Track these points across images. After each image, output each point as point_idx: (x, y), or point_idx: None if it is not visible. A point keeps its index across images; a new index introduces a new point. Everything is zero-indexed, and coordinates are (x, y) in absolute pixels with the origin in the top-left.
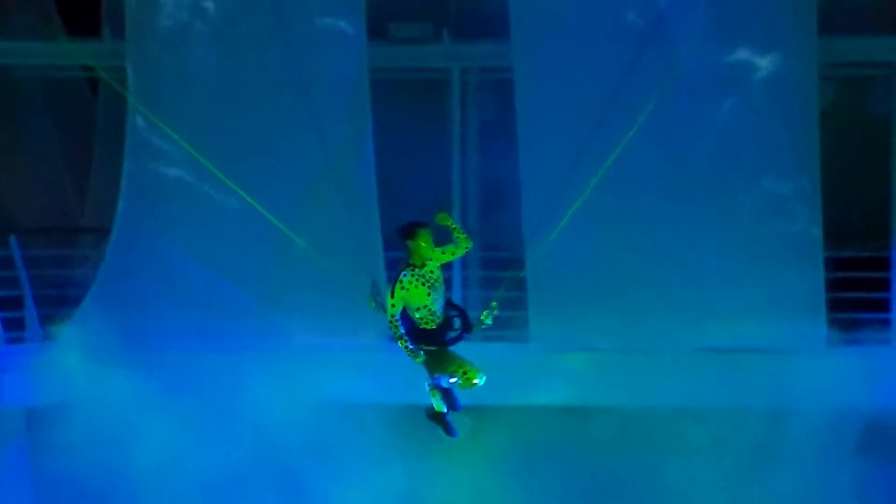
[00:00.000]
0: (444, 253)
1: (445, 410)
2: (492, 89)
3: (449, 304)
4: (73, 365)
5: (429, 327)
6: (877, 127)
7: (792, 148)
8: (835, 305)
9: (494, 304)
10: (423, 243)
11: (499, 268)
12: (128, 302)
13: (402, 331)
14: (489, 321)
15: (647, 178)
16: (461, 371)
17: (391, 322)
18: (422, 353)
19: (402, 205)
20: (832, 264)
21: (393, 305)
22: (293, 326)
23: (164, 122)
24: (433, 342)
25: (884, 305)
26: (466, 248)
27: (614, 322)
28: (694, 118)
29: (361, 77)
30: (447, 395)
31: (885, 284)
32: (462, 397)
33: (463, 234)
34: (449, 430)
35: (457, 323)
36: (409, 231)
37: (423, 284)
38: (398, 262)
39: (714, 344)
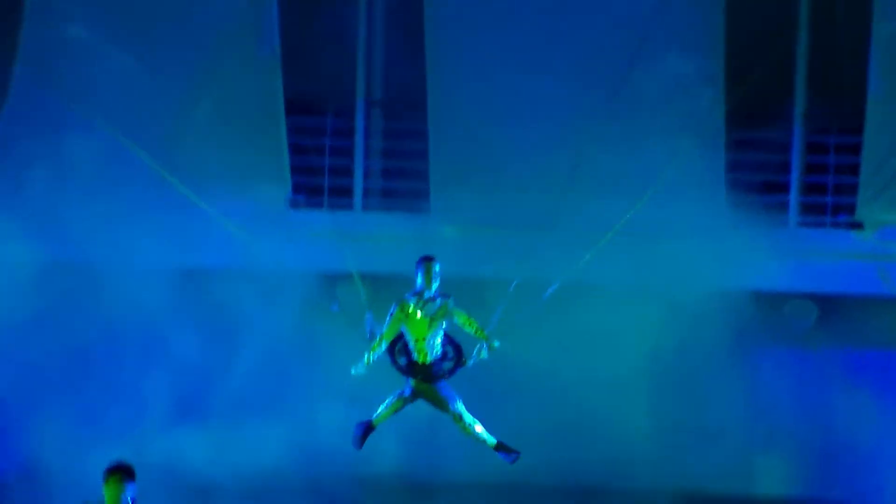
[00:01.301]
0: (468, 318)
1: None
2: None
3: (446, 339)
4: None
5: (424, 361)
6: (783, 8)
7: (697, 27)
8: (735, 187)
9: (496, 343)
10: (430, 277)
11: (401, 138)
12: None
13: (382, 349)
14: (484, 355)
15: (550, 56)
16: (454, 416)
17: (378, 339)
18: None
19: (308, 72)
20: (734, 146)
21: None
22: (194, 191)
23: None
24: (427, 376)
25: (784, 188)
26: (478, 333)
27: (514, 197)
28: None
29: None
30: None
31: (785, 167)
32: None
33: (482, 332)
34: (360, 440)
35: (450, 353)
36: (428, 259)
37: (426, 315)
38: (301, 128)
39: (614, 222)
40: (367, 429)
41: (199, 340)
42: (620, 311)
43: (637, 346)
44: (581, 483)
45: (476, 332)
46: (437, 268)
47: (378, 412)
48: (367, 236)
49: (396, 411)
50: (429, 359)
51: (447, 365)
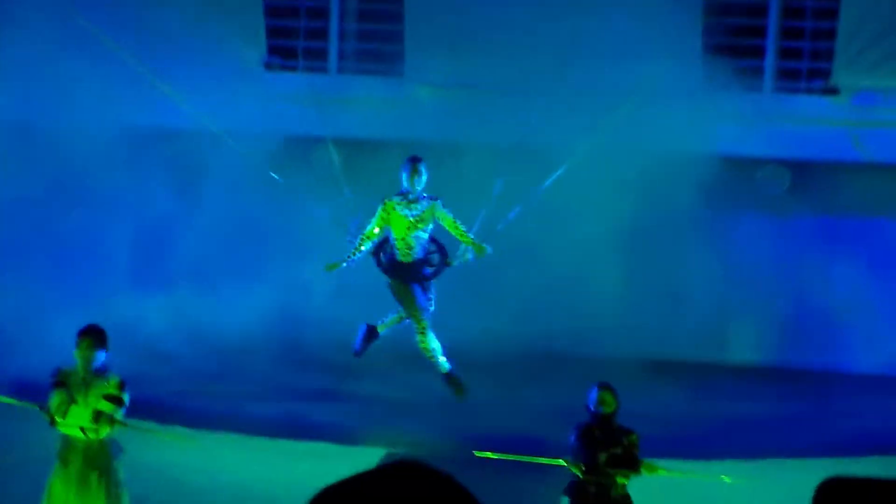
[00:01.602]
0: (447, 215)
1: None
2: None
3: (430, 240)
4: None
5: (406, 261)
6: None
7: None
8: (711, 51)
9: (489, 249)
10: (416, 177)
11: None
12: None
13: (364, 250)
14: (469, 257)
15: None
16: (418, 325)
17: (361, 239)
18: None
19: None
20: (711, 10)
21: (372, 226)
22: (171, 52)
23: None
24: (409, 276)
25: (759, 53)
26: (464, 238)
27: (489, 60)
28: None
29: None
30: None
31: (761, 32)
32: (335, 130)
33: (467, 236)
34: (360, 349)
35: (435, 259)
36: (414, 159)
37: (406, 217)
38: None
39: (588, 85)
40: (370, 332)
41: (170, 202)
42: (592, 175)
43: (608, 210)
44: (551, 350)
45: (461, 237)
46: (422, 167)
47: (384, 321)
48: (342, 99)
49: (427, 329)
50: (411, 259)
51: (429, 270)
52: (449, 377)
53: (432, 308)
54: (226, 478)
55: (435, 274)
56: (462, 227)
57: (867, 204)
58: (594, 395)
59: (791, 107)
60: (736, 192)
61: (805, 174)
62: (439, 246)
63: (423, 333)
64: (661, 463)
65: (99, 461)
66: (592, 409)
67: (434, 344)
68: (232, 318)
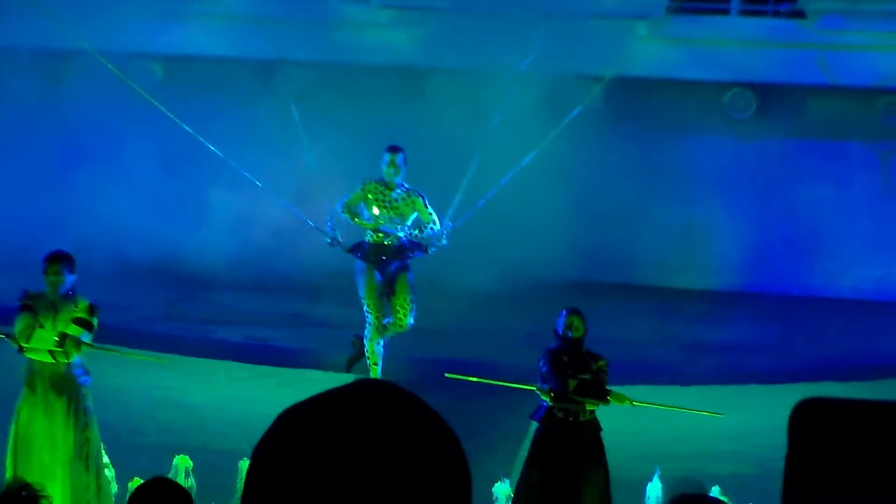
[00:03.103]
0: (428, 214)
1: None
2: None
3: (407, 236)
4: None
5: (373, 240)
6: None
7: None
8: None
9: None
10: (393, 168)
11: None
12: None
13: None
14: (444, 242)
15: None
16: (396, 315)
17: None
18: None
19: None
20: None
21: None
22: None
23: None
24: (377, 261)
25: None
26: (431, 223)
27: None
28: None
29: None
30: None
31: None
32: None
33: (433, 220)
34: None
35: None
36: (393, 149)
37: (377, 200)
38: None
39: (555, 10)
40: (357, 353)
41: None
42: (547, 100)
43: (568, 137)
44: (518, 277)
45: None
46: (400, 158)
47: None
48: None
49: (381, 330)
50: (382, 242)
51: (407, 252)
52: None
53: (410, 321)
54: (193, 401)
55: (411, 254)
56: (437, 229)
57: (833, 127)
58: (562, 319)
59: (757, 30)
60: (702, 116)
61: (771, 98)
62: (415, 244)
63: (371, 328)
64: (630, 391)
65: (66, 387)
66: (561, 333)
67: (377, 358)
68: (197, 245)
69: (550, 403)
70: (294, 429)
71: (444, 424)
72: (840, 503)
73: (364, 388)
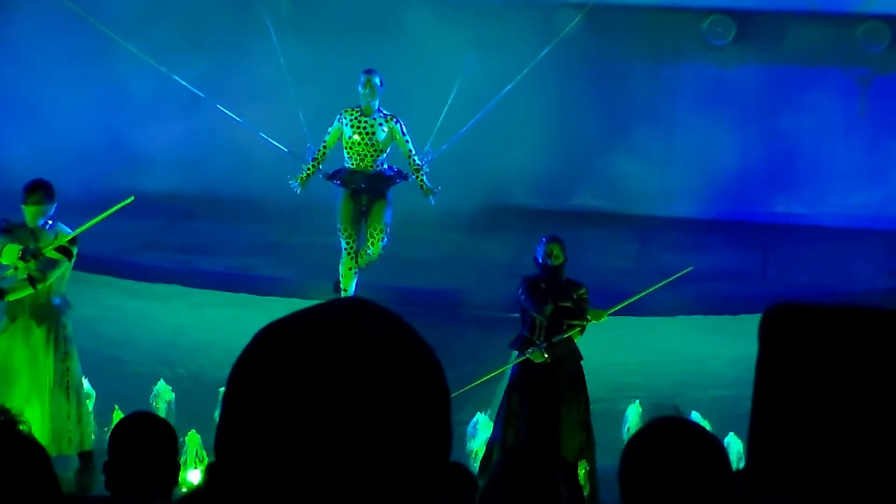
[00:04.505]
0: (405, 142)
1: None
2: None
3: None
4: None
5: (353, 166)
6: None
7: None
8: None
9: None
10: (369, 89)
11: None
12: None
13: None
14: (427, 170)
15: None
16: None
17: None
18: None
19: None
20: None
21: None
22: None
23: None
24: (358, 185)
25: None
26: (410, 159)
27: None
28: None
29: None
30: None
31: None
32: None
33: (421, 179)
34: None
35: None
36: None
37: (354, 126)
38: None
39: None
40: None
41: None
42: (540, 23)
43: (550, 61)
44: (493, 204)
45: (414, 170)
46: (376, 79)
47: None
48: None
49: (353, 256)
50: (362, 167)
51: (388, 179)
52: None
53: (384, 243)
54: (172, 329)
55: (391, 183)
56: (416, 161)
57: (812, 54)
58: (542, 248)
59: None
60: (681, 43)
61: (750, 25)
62: (396, 171)
63: (344, 254)
64: (611, 320)
65: (47, 316)
66: (541, 261)
67: (348, 284)
68: (174, 172)
69: (527, 335)
70: (271, 349)
71: (424, 344)
72: (810, 410)
73: (343, 307)
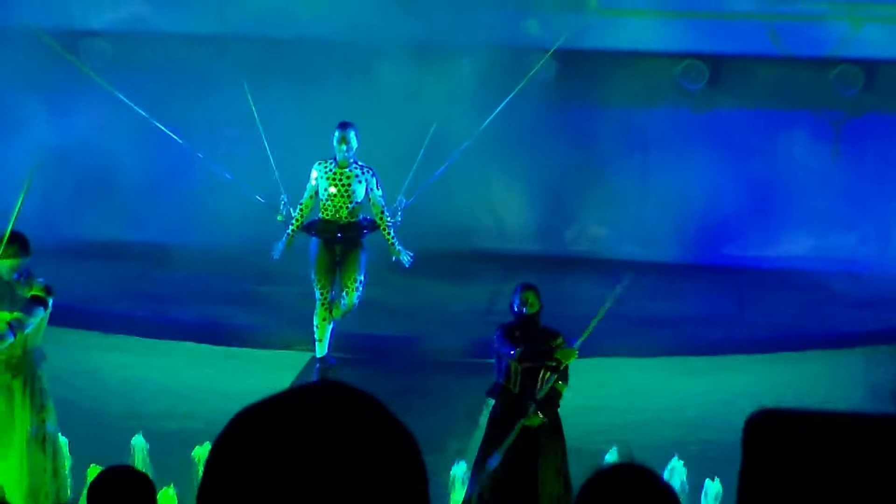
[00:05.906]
0: (378, 197)
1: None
2: None
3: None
4: None
5: (328, 217)
6: None
7: None
8: None
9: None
10: (345, 144)
11: None
12: None
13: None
14: (399, 218)
15: None
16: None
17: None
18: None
19: None
20: None
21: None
22: None
23: None
24: (331, 237)
25: None
26: (380, 216)
27: None
28: None
29: None
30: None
31: None
32: None
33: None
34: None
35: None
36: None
37: (329, 178)
38: None
39: None
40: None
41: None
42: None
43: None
44: (466, 249)
45: (383, 230)
46: (351, 134)
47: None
48: None
49: (327, 307)
50: (336, 217)
51: (363, 230)
52: (324, 360)
53: (359, 293)
54: (148, 381)
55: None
56: (388, 220)
57: (786, 97)
58: (517, 295)
59: (708, 2)
60: (655, 87)
61: (723, 69)
62: (371, 221)
63: (318, 304)
64: (590, 362)
65: (23, 368)
66: (516, 310)
67: (322, 334)
68: (149, 222)
69: (503, 383)
70: (250, 431)
71: (399, 425)
72: None
73: (317, 391)
